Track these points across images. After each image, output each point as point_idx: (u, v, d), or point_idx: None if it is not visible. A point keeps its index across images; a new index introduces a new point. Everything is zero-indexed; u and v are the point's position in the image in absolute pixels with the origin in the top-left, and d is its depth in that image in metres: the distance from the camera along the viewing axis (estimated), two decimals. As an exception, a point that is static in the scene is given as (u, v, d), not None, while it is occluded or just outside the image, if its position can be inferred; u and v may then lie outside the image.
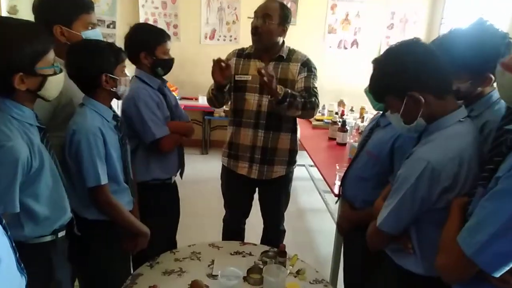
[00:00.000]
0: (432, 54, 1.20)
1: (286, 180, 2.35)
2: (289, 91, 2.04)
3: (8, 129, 1.20)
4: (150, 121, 1.86)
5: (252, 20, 2.10)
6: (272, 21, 2.04)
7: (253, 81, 2.15)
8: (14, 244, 0.94)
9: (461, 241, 0.97)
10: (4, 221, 0.91)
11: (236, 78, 2.19)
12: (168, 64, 1.98)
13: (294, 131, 2.28)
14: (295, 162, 2.34)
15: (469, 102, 1.33)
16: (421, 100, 1.18)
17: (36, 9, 1.62)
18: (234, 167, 2.28)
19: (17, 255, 0.95)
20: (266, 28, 2.04)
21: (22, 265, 0.97)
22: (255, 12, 2.09)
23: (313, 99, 2.12)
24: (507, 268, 0.91)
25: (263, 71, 1.87)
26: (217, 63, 2.01)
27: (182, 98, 5.15)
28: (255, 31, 2.07)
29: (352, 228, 1.79)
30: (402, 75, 1.19)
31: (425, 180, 1.14)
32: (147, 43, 1.89)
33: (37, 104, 1.34)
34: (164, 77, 2.04)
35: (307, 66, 2.17)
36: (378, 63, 1.29)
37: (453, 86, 1.26)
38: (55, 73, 1.30)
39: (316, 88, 2.18)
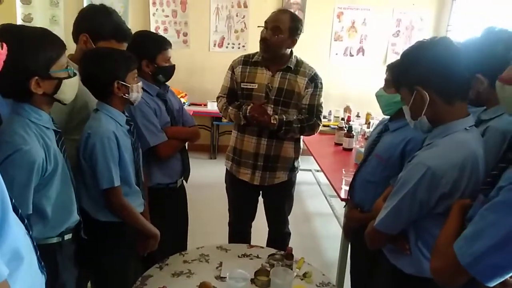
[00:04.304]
0: (453, 58, 1.19)
1: (289, 185, 2.38)
2: (284, 119, 2.13)
3: (25, 133, 1.24)
4: (145, 129, 1.86)
5: (262, 29, 2.13)
6: (281, 34, 2.06)
7: (258, 89, 2.18)
8: (35, 243, 0.97)
9: (457, 249, 0.97)
10: (26, 221, 0.95)
11: (242, 86, 2.22)
12: (169, 71, 1.98)
13: (297, 140, 2.31)
14: (296, 168, 2.36)
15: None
16: (426, 97, 1.19)
17: (78, 18, 1.73)
18: (236, 172, 2.31)
19: (38, 253, 0.98)
20: (275, 40, 2.07)
21: (43, 263, 1.00)
22: (266, 22, 2.11)
23: (314, 120, 2.20)
24: (501, 279, 0.91)
25: (251, 114, 2.07)
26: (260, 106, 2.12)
27: (191, 104, 5.21)
28: (264, 42, 2.10)
29: (358, 227, 1.81)
30: (413, 69, 1.21)
31: (425, 184, 1.15)
32: (148, 51, 1.90)
33: (53, 107, 1.38)
34: (175, 84, 2.08)
35: (314, 82, 2.19)
36: (403, 53, 1.30)
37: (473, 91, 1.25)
38: (69, 76, 1.33)
39: (321, 105, 2.24)
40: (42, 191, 1.29)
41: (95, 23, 1.68)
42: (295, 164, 2.34)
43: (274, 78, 2.18)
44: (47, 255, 1.33)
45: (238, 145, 2.29)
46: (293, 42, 2.14)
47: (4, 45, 0.81)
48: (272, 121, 2.09)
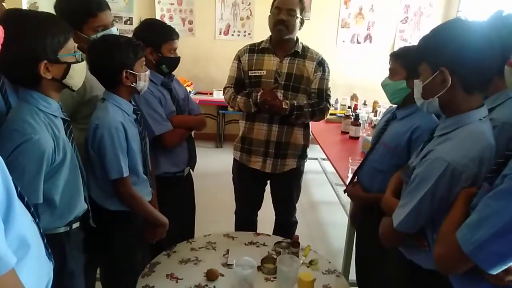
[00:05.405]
0: (489, 47, 1.11)
1: (298, 173, 2.39)
2: (295, 103, 2.14)
3: (35, 122, 1.23)
4: (150, 118, 1.86)
5: (273, 13, 2.13)
6: (296, 14, 2.12)
7: (267, 76, 2.19)
8: (41, 231, 0.98)
9: (460, 237, 0.96)
10: (32, 209, 0.95)
11: (250, 74, 2.22)
12: (173, 62, 1.97)
13: (306, 126, 2.32)
14: (306, 155, 2.38)
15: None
16: (448, 81, 1.13)
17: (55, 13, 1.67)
18: (247, 161, 2.31)
19: (45, 241, 0.99)
20: (293, 21, 2.11)
21: (50, 250, 1.02)
22: (278, 7, 2.12)
23: (324, 104, 2.22)
24: (504, 267, 0.90)
25: (263, 98, 2.04)
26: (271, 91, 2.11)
27: (197, 93, 5.21)
28: (283, 24, 2.11)
29: (365, 216, 1.82)
30: (446, 48, 1.13)
31: (446, 181, 1.11)
32: (153, 39, 1.88)
33: (62, 97, 1.38)
34: (180, 73, 2.06)
35: (322, 66, 2.23)
36: (437, 28, 1.20)
37: None
38: (77, 61, 1.32)
39: (329, 89, 2.26)
40: (50, 180, 1.29)
41: (67, 13, 1.63)
42: (306, 151, 2.35)
43: (282, 64, 2.19)
44: (55, 244, 1.32)
45: (248, 134, 2.28)
46: (301, 24, 2.19)
47: (1, 27, 0.79)
48: (283, 106, 2.09)
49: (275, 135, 2.22)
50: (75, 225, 1.43)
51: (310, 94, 2.22)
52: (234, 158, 2.42)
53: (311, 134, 2.42)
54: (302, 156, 2.34)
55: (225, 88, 2.33)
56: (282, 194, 2.45)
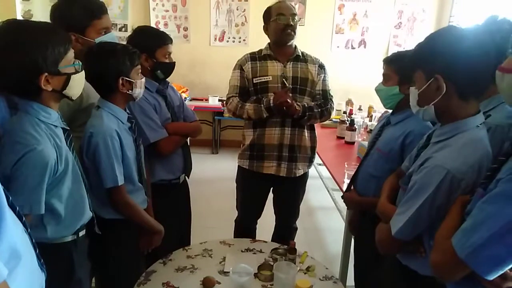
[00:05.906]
0: (485, 54, 1.11)
1: (305, 178, 2.42)
2: (306, 105, 2.19)
3: (36, 133, 1.22)
4: (145, 126, 1.85)
5: (277, 19, 2.15)
6: (297, 18, 2.19)
7: (273, 81, 2.21)
8: (34, 241, 0.96)
9: (456, 242, 0.96)
10: (24, 218, 0.94)
11: (255, 81, 2.22)
12: (168, 67, 1.97)
13: (312, 128, 2.35)
14: (313, 160, 2.40)
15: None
16: (443, 89, 1.13)
17: (52, 18, 1.65)
18: (258, 168, 2.28)
19: (37, 251, 0.98)
20: (296, 25, 2.19)
21: (42, 260, 0.99)
22: (282, 13, 2.15)
23: (329, 105, 2.28)
24: (500, 272, 0.90)
25: (280, 100, 2.05)
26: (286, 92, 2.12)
27: (193, 99, 5.20)
28: (290, 28, 2.16)
29: (363, 222, 1.83)
30: (440, 56, 1.13)
31: (445, 189, 1.10)
32: (147, 45, 1.88)
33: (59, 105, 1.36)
34: (176, 79, 2.07)
35: (324, 68, 2.31)
36: (431, 35, 1.21)
37: None
38: (76, 71, 1.31)
39: (331, 90, 2.33)
40: (53, 190, 1.28)
41: (68, 17, 1.62)
42: (314, 154, 2.37)
43: (286, 68, 2.22)
44: (63, 253, 1.35)
45: (258, 140, 2.25)
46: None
47: None
48: (296, 108, 2.12)
49: (288, 139, 2.23)
50: (81, 233, 1.44)
51: (315, 96, 2.28)
52: (239, 167, 2.39)
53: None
54: (311, 160, 2.38)
55: (228, 98, 2.30)
56: (289, 199, 2.45)
